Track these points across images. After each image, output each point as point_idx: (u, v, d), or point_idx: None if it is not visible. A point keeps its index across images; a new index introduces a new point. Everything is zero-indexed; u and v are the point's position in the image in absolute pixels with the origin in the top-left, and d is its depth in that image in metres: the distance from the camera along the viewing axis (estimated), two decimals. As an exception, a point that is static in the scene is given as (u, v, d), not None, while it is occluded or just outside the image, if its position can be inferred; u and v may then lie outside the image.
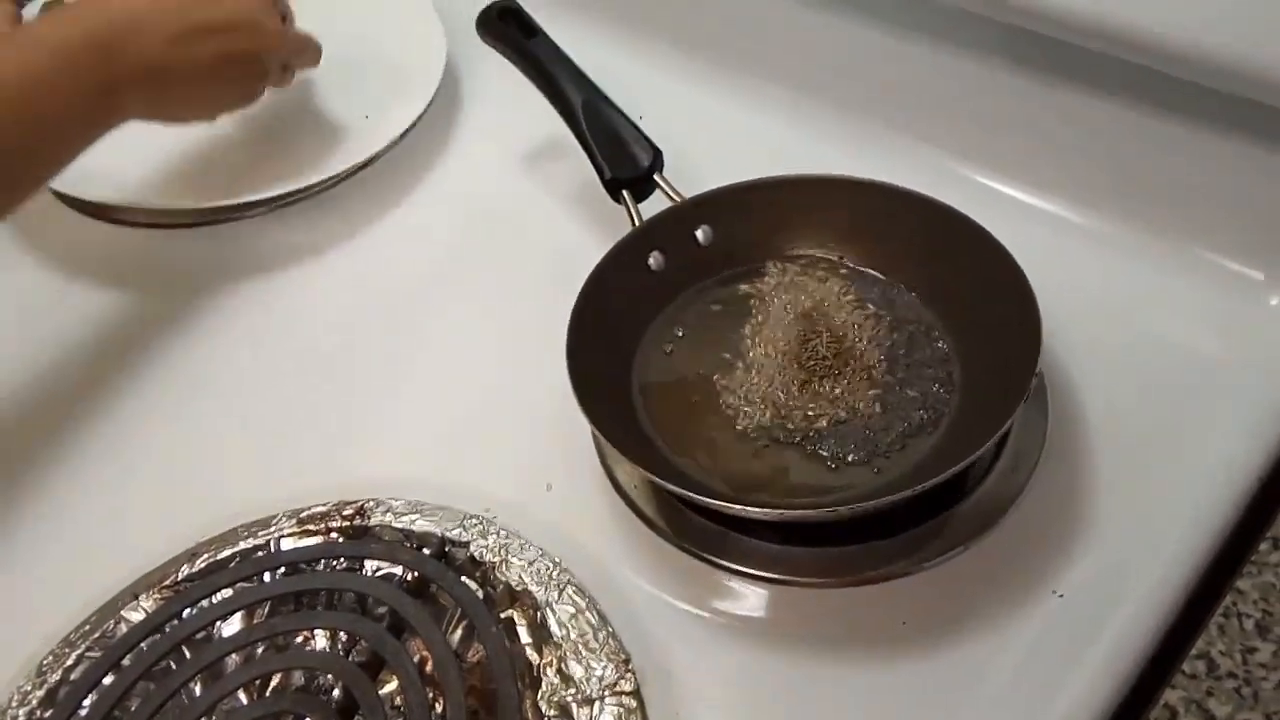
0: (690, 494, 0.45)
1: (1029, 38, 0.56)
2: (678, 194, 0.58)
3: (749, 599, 0.48)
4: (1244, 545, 0.47)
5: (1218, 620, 0.42)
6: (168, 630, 0.47)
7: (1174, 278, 0.56)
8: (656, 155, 0.59)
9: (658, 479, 0.46)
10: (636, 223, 0.57)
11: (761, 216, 0.57)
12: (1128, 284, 0.57)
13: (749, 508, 0.45)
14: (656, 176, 0.58)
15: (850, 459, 0.49)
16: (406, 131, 0.71)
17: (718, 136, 0.67)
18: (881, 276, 0.56)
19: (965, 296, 0.53)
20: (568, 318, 0.51)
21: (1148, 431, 0.51)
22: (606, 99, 0.61)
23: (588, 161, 0.60)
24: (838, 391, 0.51)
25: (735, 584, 0.48)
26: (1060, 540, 0.47)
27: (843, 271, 0.57)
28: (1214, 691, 0.40)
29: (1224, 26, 0.47)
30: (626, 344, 0.55)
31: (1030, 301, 0.48)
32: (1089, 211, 0.59)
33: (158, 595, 0.49)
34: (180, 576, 0.49)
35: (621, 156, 0.59)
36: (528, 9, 0.65)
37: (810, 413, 0.51)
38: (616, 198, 0.58)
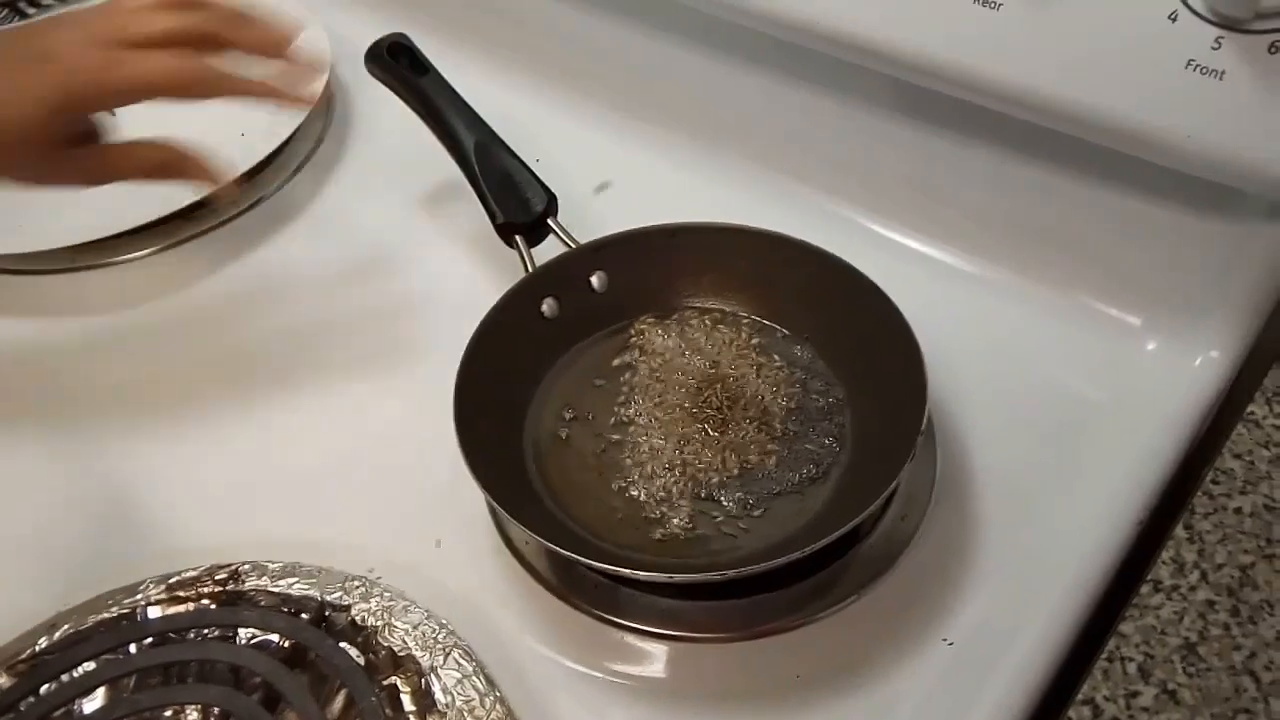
0: (579, 557, 0.44)
1: (918, 91, 0.57)
2: (572, 239, 0.57)
3: (644, 657, 0.47)
4: (1126, 588, 0.48)
5: (1102, 665, 0.42)
6: (23, 708, 0.44)
7: (1057, 323, 0.58)
8: (550, 200, 0.58)
9: (546, 541, 0.45)
10: (529, 268, 0.56)
11: (657, 263, 0.57)
12: (1013, 330, 0.58)
13: (637, 571, 0.45)
14: (550, 221, 0.57)
15: (742, 513, 0.49)
16: (283, 148, 0.70)
17: (614, 183, 0.67)
18: (776, 326, 0.56)
19: (856, 348, 0.53)
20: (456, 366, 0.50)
21: (1032, 476, 0.52)
22: (500, 141, 0.60)
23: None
24: (731, 444, 0.51)
25: (630, 641, 0.47)
26: (949, 587, 0.48)
27: (740, 321, 0.57)
28: (1099, 737, 0.40)
29: (1092, 82, 0.49)
30: (519, 394, 0.54)
31: (918, 362, 0.48)
32: (975, 259, 0.60)
33: (12, 671, 0.46)
34: (38, 649, 0.46)
35: (514, 200, 0.57)
36: (421, 46, 0.64)
37: (703, 466, 0.51)
38: (509, 242, 0.57)
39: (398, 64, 0.63)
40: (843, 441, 0.51)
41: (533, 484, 0.51)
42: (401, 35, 0.64)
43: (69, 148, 0.49)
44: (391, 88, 0.63)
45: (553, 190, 0.59)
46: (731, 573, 0.43)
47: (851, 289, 0.52)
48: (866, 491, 0.45)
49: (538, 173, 0.59)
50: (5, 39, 0.49)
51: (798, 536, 0.47)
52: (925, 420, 0.46)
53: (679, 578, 0.46)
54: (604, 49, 0.73)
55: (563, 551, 0.45)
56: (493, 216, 0.58)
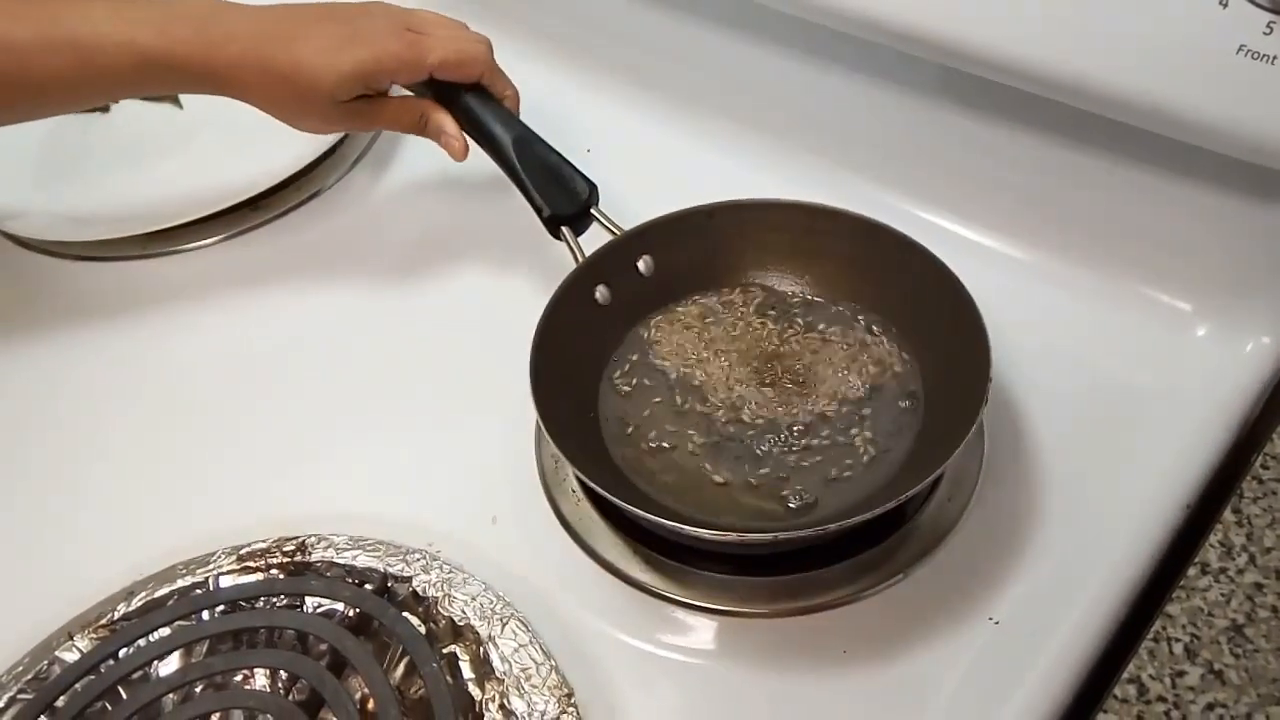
0: (648, 514, 0.46)
1: (966, 79, 0.57)
2: (616, 226, 0.58)
3: (693, 631, 0.48)
4: (1173, 571, 0.48)
5: (1148, 645, 0.42)
6: (103, 670, 0.46)
7: (1106, 309, 0.58)
8: (592, 189, 0.59)
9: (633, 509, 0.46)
10: (579, 258, 0.56)
11: (700, 243, 0.58)
12: (1061, 315, 0.58)
13: (699, 530, 0.46)
14: (593, 210, 0.58)
15: (797, 488, 0.50)
16: (341, 142, 0.72)
17: (649, 168, 0.68)
18: (826, 298, 0.57)
19: (908, 314, 0.54)
20: (526, 360, 0.50)
21: (1080, 459, 0.52)
22: (536, 135, 0.60)
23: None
24: (788, 422, 0.52)
25: (680, 616, 0.48)
26: (996, 567, 0.48)
27: (788, 296, 0.58)
28: (1145, 715, 0.40)
29: (1143, 68, 0.49)
30: (586, 379, 0.55)
31: (974, 315, 0.49)
32: (1025, 247, 0.61)
33: (93, 635, 0.48)
34: (116, 615, 0.48)
35: (558, 192, 0.58)
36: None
37: (765, 442, 0.52)
38: (556, 234, 0.58)
39: None
40: (902, 415, 0.52)
41: (612, 459, 0.52)
42: None
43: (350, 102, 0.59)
44: (419, 94, 0.63)
45: (593, 180, 0.59)
46: (782, 535, 0.45)
47: (890, 249, 0.53)
48: (921, 468, 0.46)
49: (588, 161, 0.60)
50: (329, 12, 0.59)
51: (851, 508, 0.48)
52: (988, 387, 0.46)
53: (717, 534, 0.47)
54: (632, 35, 0.74)
55: (657, 518, 0.46)
56: (539, 210, 0.58)
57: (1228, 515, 0.46)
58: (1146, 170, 0.56)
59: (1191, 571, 0.44)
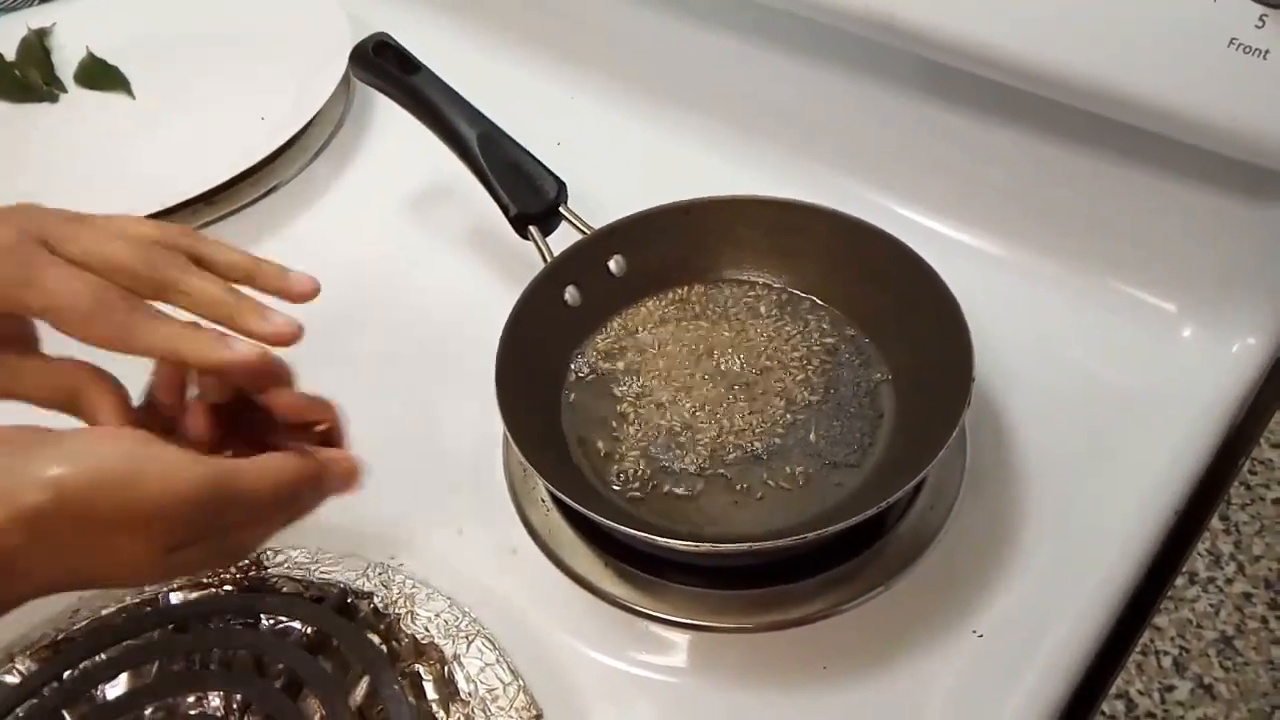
0: (622, 527, 0.44)
1: (947, 72, 0.56)
2: (585, 225, 0.56)
3: (667, 647, 0.47)
4: (1161, 578, 0.47)
5: (1136, 658, 0.41)
6: (46, 694, 0.44)
7: (1090, 311, 0.57)
8: (560, 186, 0.57)
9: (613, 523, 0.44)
10: (547, 259, 0.55)
11: (673, 242, 0.56)
12: (1045, 317, 0.57)
13: (671, 540, 0.44)
14: (562, 208, 0.57)
15: (772, 490, 0.48)
16: (301, 133, 0.69)
17: (621, 163, 0.66)
18: (802, 295, 0.56)
19: (886, 312, 0.53)
20: (492, 364, 0.48)
21: (1064, 465, 0.51)
22: (502, 132, 0.58)
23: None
24: (763, 426, 0.51)
25: (653, 631, 0.47)
26: (979, 578, 0.47)
27: (763, 292, 0.56)
28: (1133, 732, 0.40)
29: (1131, 61, 0.48)
30: (555, 385, 0.54)
31: (955, 316, 0.48)
32: (1006, 244, 0.60)
33: (35, 656, 0.46)
34: (60, 636, 0.47)
35: (525, 190, 0.56)
36: (405, 39, 0.62)
37: (731, 442, 0.50)
38: (523, 234, 0.56)
39: (385, 64, 0.61)
40: (878, 417, 0.50)
41: (576, 465, 0.50)
42: (385, 35, 0.62)
43: None
44: (382, 90, 0.62)
45: (560, 177, 0.58)
46: (766, 545, 0.43)
47: (870, 246, 0.52)
48: (896, 478, 0.44)
49: (558, 156, 0.58)
50: None
51: (828, 516, 0.47)
52: (971, 388, 0.45)
53: (701, 547, 0.45)
54: (601, 28, 0.73)
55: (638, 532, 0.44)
56: (505, 209, 0.57)
57: (1215, 523, 0.45)
58: (1132, 168, 0.55)
59: (1179, 581, 0.43)
